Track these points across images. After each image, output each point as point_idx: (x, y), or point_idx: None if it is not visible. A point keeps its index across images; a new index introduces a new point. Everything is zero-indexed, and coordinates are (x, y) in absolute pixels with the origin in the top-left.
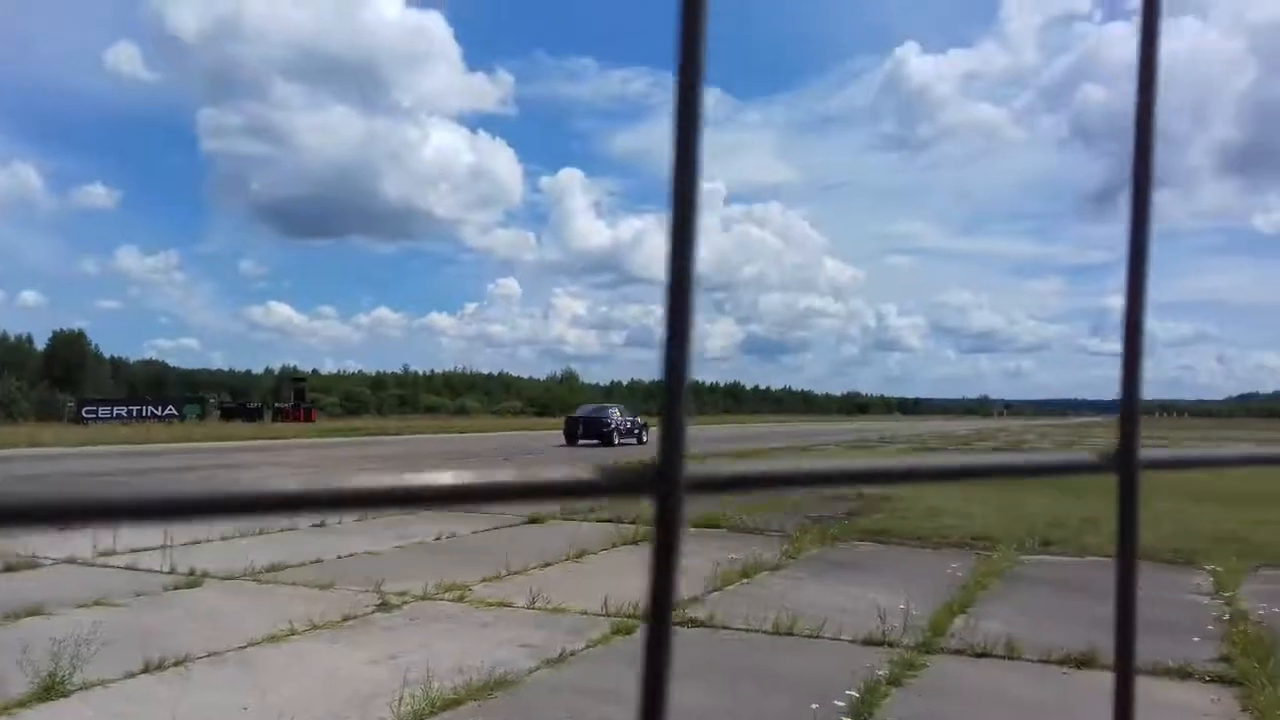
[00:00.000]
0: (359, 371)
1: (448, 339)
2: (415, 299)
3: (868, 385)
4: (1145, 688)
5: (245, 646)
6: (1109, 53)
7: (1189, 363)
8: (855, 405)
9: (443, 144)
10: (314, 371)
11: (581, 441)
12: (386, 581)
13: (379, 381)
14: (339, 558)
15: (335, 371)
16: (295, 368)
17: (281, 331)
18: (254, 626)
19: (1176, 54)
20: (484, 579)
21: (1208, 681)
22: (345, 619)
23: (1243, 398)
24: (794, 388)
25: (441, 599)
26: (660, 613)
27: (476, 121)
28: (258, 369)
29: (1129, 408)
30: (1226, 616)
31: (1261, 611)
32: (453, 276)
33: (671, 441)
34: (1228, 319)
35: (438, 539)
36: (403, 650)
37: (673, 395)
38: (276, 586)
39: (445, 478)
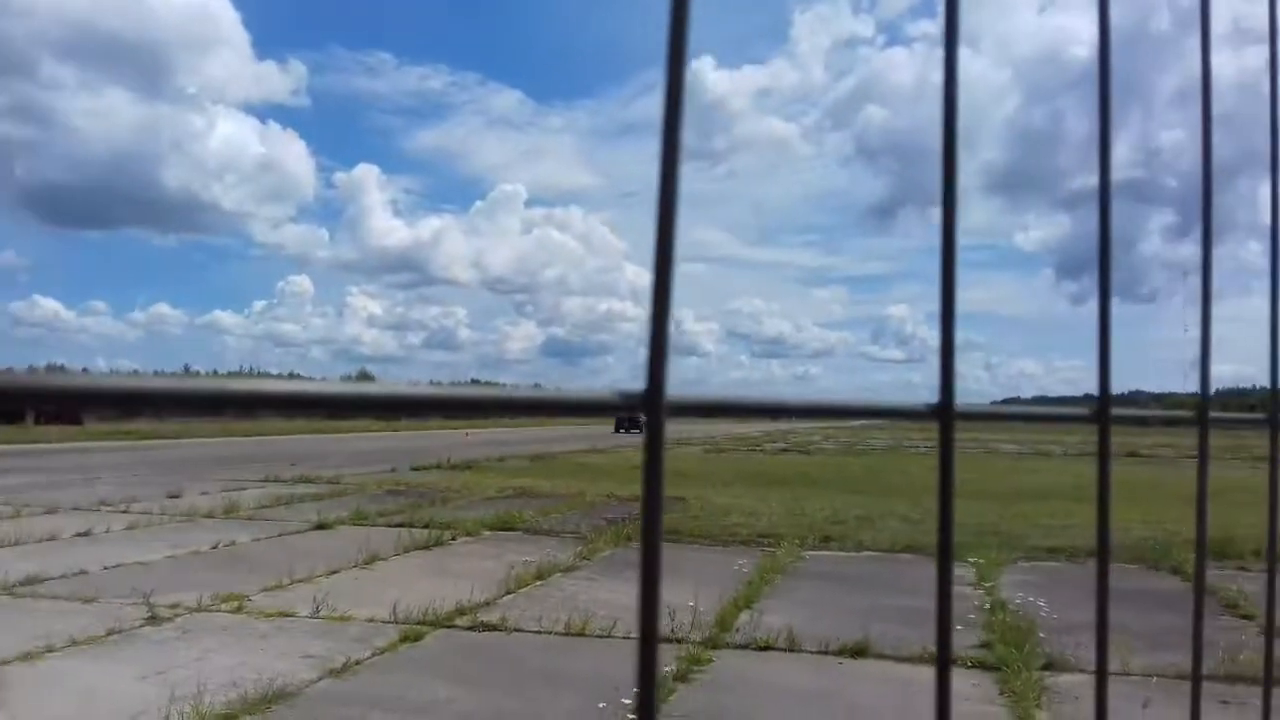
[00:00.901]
0: (135, 371)
1: (233, 338)
2: (198, 295)
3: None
4: (913, 674)
5: None
6: (890, 76)
7: (959, 369)
8: None
9: (230, 134)
10: (84, 370)
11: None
12: (157, 593)
13: None
14: (105, 569)
15: (108, 371)
16: (63, 366)
17: (48, 327)
18: (6, 644)
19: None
20: (264, 588)
21: (969, 667)
22: (110, 633)
23: (1006, 401)
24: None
25: (217, 610)
26: (652, 523)
27: (266, 112)
28: (20, 367)
29: (947, 361)
30: (987, 606)
31: (1018, 601)
32: (240, 273)
33: (656, 367)
34: (993, 329)
35: (215, 547)
36: (173, 665)
37: (658, 326)
38: (34, 600)
39: (462, 390)
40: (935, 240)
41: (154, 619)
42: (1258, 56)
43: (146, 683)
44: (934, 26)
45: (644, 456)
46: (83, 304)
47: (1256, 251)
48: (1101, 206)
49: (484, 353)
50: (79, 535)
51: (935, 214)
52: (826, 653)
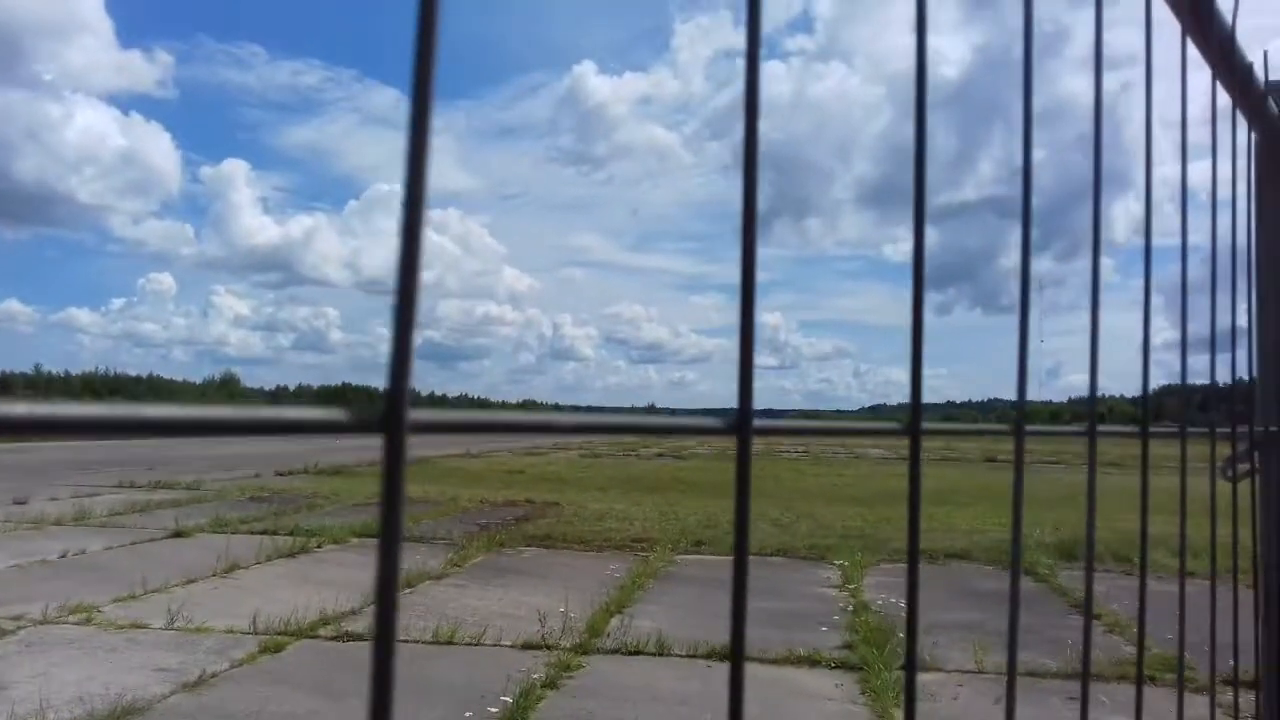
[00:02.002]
0: None
1: (89, 337)
2: (51, 292)
3: (543, 393)
4: (779, 675)
5: None
6: (767, 89)
7: (829, 376)
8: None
9: (89, 124)
10: None
11: None
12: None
13: (4, 382)
14: None
15: None
16: None
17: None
18: None
19: (826, 95)
20: (116, 599)
21: (833, 668)
22: None
23: (874, 408)
24: (471, 394)
25: (64, 622)
26: (389, 546)
27: (130, 103)
28: None
29: (746, 372)
30: (851, 607)
31: (881, 602)
32: (97, 269)
33: (398, 385)
34: (863, 337)
35: (63, 556)
36: (15, 680)
37: (401, 343)
38: None
39: (218, 410)
40: (809, 251)
41: None
42: (1113, 80)
43: None
44: (810, 42)
45: (383, 478)
46: None
47: (1109, 267)
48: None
49: (357, 355)
50: None
51: (810, 225)
52: (695, 656)
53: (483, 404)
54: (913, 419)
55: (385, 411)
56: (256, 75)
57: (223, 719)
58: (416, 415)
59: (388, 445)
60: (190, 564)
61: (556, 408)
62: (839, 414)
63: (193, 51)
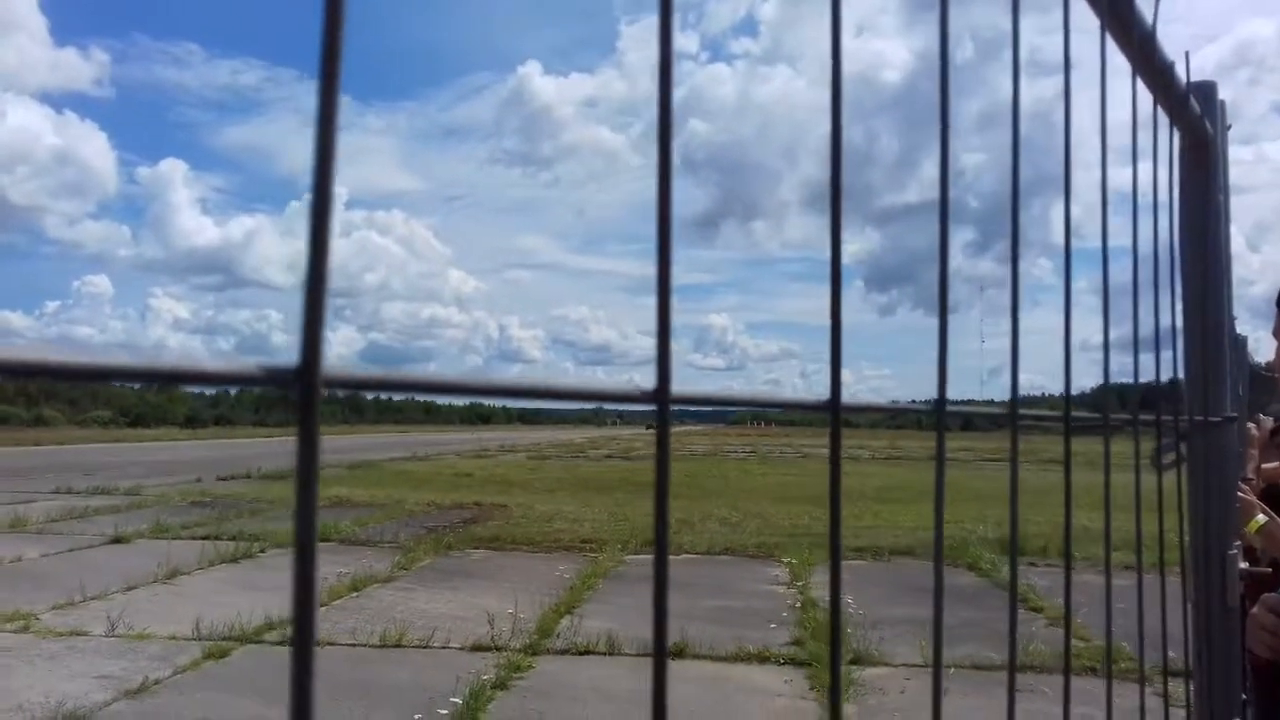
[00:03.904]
0: None
1: (23, 340)
2: None
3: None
4: (730, 671)
5: None
6: (712, 91)
7: (777, 376)
8: (478, 415)
9: (22, 123)
10: None
11: None
12: None
13: None
14: None
15: None
16: None
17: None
18: None
19: (772, 98)
20: (54, 606)
21: (782, 664)
22: None
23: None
24: (415, 398)
25: (0, 630)
26: (305, 509)
27: (64, 101)
28: None
29: (663, 342)
30: (799, 604)
31: (828, 598)
32: (30, 271)
33: (311, 337)
34: (809, 338)
35: None
36: None
37: (313, 295)
38: None
39: (81, 358)
40: (756, 253)
41: None
42: (1050, 86)
43: None
44: (755, 45)
45: (298, 435)
46: None
47: (1048, 269)
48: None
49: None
50: None
51: (757, 227)
52: (647, 655)
53: (428, 407)
54: (832, 394)
55: (299, 365)
56: (195, 74)
57: None
58: (331, 370)
59: (301, 398)
60: (131, 570)
61: (504, 411)
62: (783, 415)
63: (129, 50)
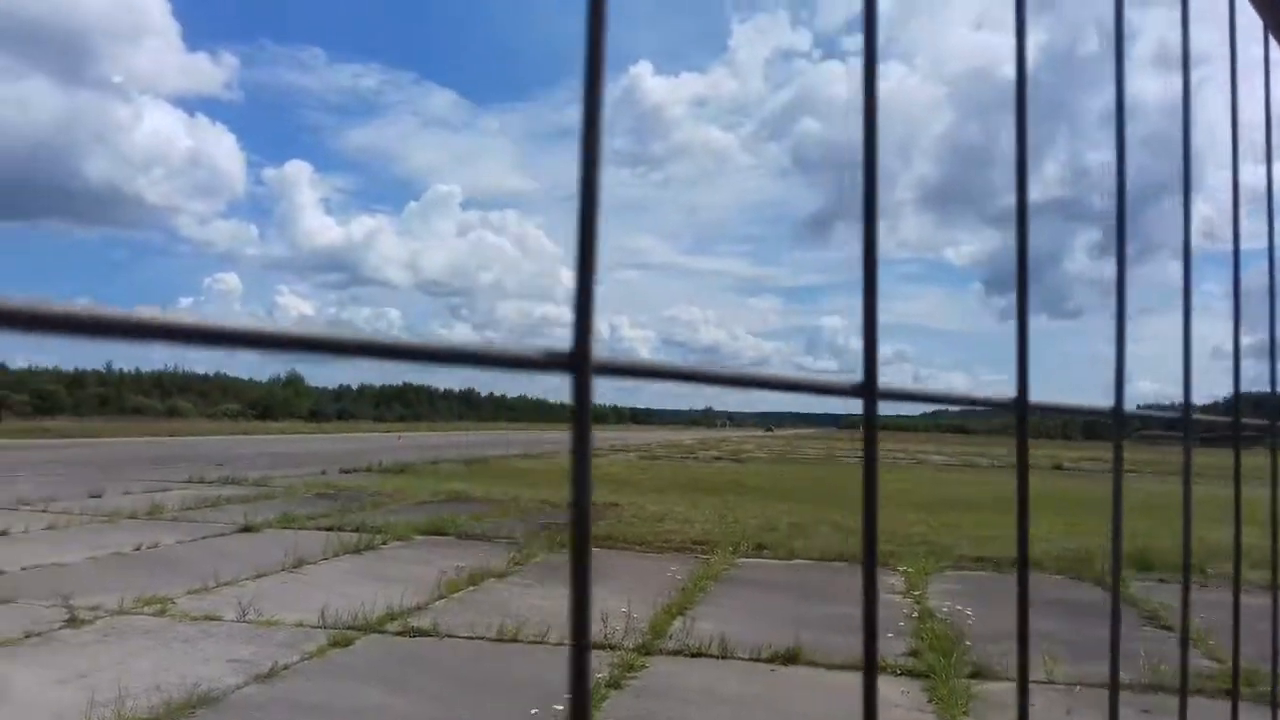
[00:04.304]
0: (54, 368)
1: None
2: (121, 291)
3: (601, 395)
4: (844, 681)
5: None
6: (826, 89)
7: (889, 380)
8: (592, 415)
9: (157, 125)
10: (0, 367)
11: None
12: (77, 595)
13: (78, 379)
14: (22, 569)
15: (26, 367)
16: None
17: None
18: None
19: (886, 95)
20: (189, 591)
21: (898, 675)
22: (27, 636)
23: (935, 414)
24: (530, 395)
25: (140, 613)
26: (581, 483)
27: (196, 104)
28: None
29: (870, 340)
30: (916, 614)
31: (946, 609)
32: (165, 269)
33: (582, 325)
34: (923, 342)
35: (137, 549)
36: (94, 669)
37: (582, 284)
38: None
39: (355, 333)
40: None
41: (74, 621)
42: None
43: (66, 687)
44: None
45: (572, 416)
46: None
47: (1177, 272)
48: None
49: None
50: None
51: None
52: (758, 660)
53: (540, 405)
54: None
55: (572, 350)
56: (318, 78)
57: (294, 710)
58: (600, 356)
59: (576, 382)
60: (260, 559)
61: (614, 409)
62: (899, 419)
63: (257, 54)
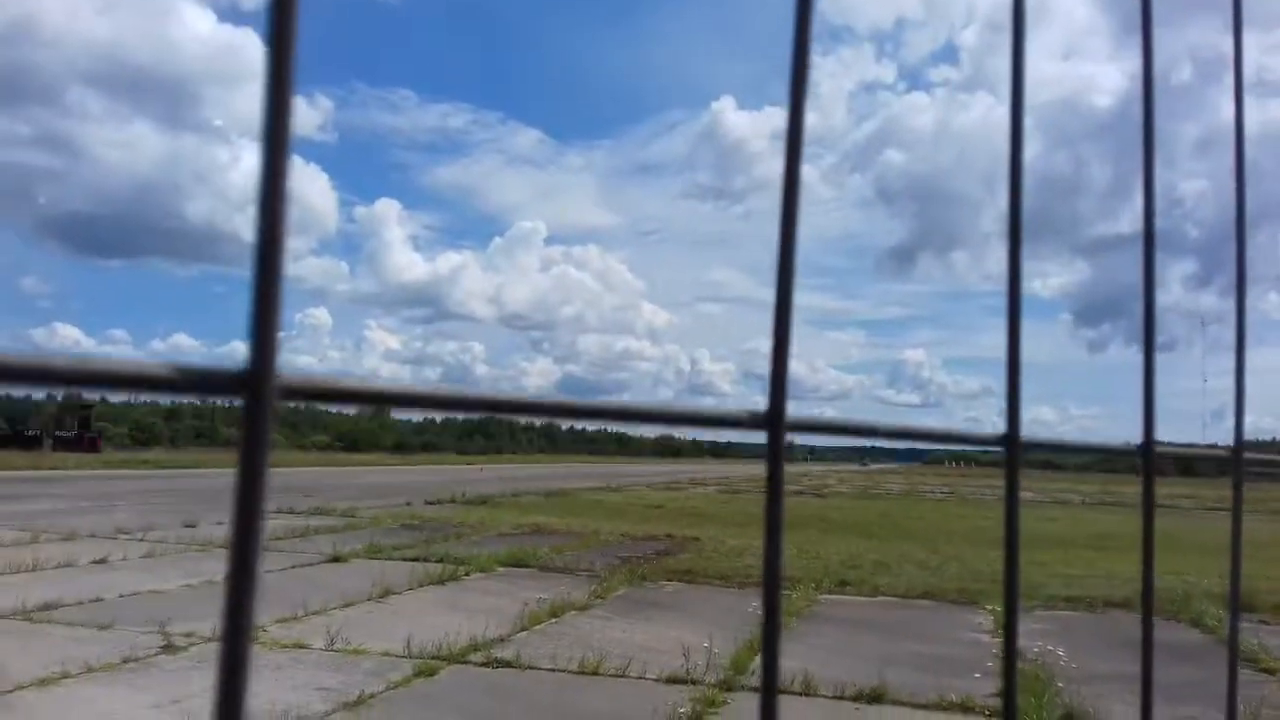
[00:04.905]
0: (152, 401)
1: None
2: (218, 325)
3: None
4: None
5: (11, 691)
6: (909, 120)
7: (976, 415)
8: (668, 448)
9: (253, 166)
10: (102, 399)
11: None
12: (172, 621)
13: (174, 411)
14: (120, 596)
15: (125, 400)
16: (80, 394)
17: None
18: (23, 669)
19: (972, 125)
20: (279, 619)
21: (988, 716)
22: (125, 661)
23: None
24: (609, 429)
25: None
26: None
27: (292, 146)
28: (39, 394)
29: (778, 377)
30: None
31: (1036, 649)
32: None
33: (263, 342)
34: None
35: None
36: (188, 694)
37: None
38: (50, 626)
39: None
40: (954, 285)
41: (169, 647)
42: (1275, 107)
43: (162, 711)
44: (955, 72)
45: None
46: (103, 332)
47: (1277, 304)
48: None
49: (500, 388)
50: (95, 562)
51: (956, 258)
52: (843, 698)
53: (621, 438)
54: (1009, 427)
55: (249, 370)
56: (408, 118)
57: None
58: (288, 378)
59: (249, 408)
60: (347, 588)
61: (695, 444)
62: (987, 454)
63: (349, 97)
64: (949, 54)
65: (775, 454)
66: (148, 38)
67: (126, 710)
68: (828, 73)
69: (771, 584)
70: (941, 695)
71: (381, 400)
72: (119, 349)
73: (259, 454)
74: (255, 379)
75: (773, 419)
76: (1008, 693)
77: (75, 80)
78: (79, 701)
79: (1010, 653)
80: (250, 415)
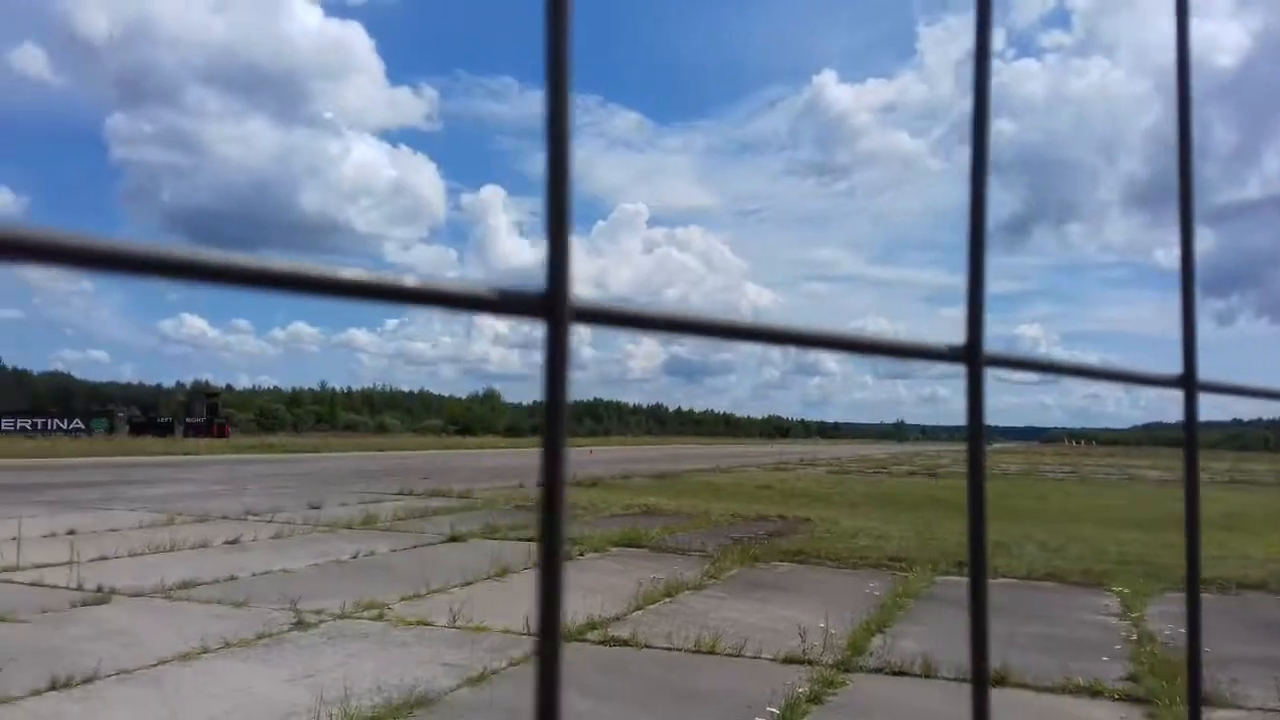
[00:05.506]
0: (274, 387)
1: (367, 355)
2: (334, 315)
3: (788, 408)
4: (1057, 704)
5: (155, 665)
6: (1019, 89)
7: (1096, 391)
8: (776, 428)
9: (364, 158)
10: (228, 386)
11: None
12: (303, 599)
13: (295, 398)
14: (253, 575)
15: (250, 387)
16: (208, 382)
17: (195, 345)
18: (165, 644)
19: (1087, 91)
20: (403, 597)
21: (1116, 699)
22: (260, 637)
23: (1148, 426)
24: (716, 410)
25: (360, 617)
26: (554, 450)
27: (398, 136)
28: (169, 382)
29: (975, 303)
30: (1134, 637)
31: (1168, 633)
32: None
33: (558, 266)
34: (1131, 350)
35: (355, 557)
36: (320, 669)
37: (557, 221)
38: (188, 604)
39: (350, 273)
40: (1071, 258)
41: (301, 624)
42: None
43: (296, 685)
44: (1067, 37)
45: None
46: (227, 322)
47: None
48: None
49: (606, 371)
50: (228, 543)
51: (1072, 230)
52: (964, 680)
53: (728, 419)
54: (1186, 369)
55: (547, 293)
56: (510, 105)
57: (506, 714)
58: (581, 302)
59: (550, 331)
60: (466, 567)
61: (803, 424)
62: (1108, 431)
63: (453, 85)
64: (1060, 19)
65: (975, 389)
66: (259, 35)
67: (262, 685)
68: (934, 41)
69: (977, 538)
70: (1068, 678)
71: (668, 327)
72: (242, 338)
73: (560, 373)
74: (553, 302)
75: (971, 352)
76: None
77: (193, 79)
78: (218, 675)
79: (1194, 639)
80: (551, 337)
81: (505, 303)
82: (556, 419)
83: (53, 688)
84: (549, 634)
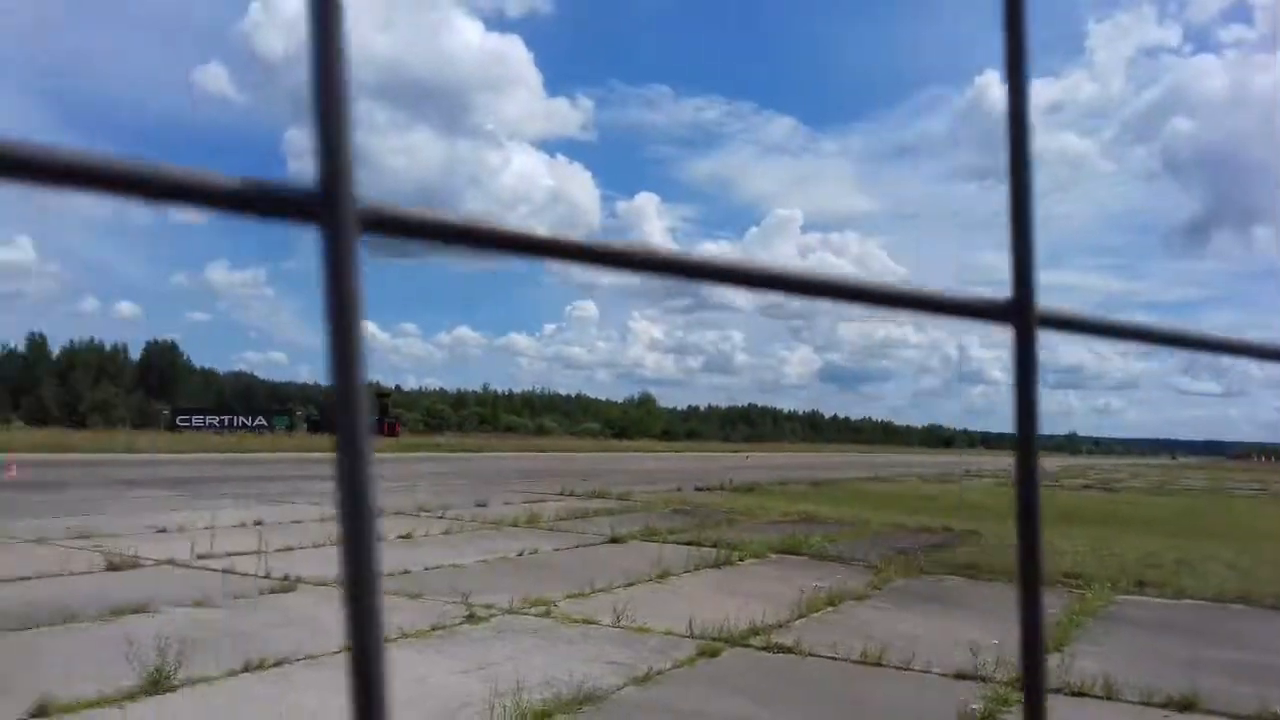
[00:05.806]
0: (440, 389)
1: (527, 359)
2: (495, 319)
3: (949, 417)
4: None
5: (338, 652)
6: (1198, 85)
7: None
8: (938, 439)
9: (523, 168)
10: (397, 388)
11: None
12: (473, 594)
13: (460, 400)
14: (425, 569)
15: (417, 388)
16: (379, 383)
17: (366, 347)
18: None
19: (1272, 88)
20: (568, 595)
21: None
22: (434, 629)
23: None
24: (874, 418)
25: (527, 613)
26: (1026, 466)
27: (555, 146)
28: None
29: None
30: None
31: None
32: (532, 298)
33: (1023, 282)
34: None
35: (520, 554)
36: (491, 661)
37: (1020, 235)
38: None
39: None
40: (1256, 263)
41: (472, 617)
42: None
43: (469, 676)
44: (1249, 31)
45: (1015, 376)
46: (396, 326)
47: None
48: None
49: (760, 377)
50: (401, 537)
51: (1257, 234)
52: (1149, 704)
53: (887, 427)
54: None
55: (1013, 301)
56: (664, 114)
57: (671, 714)
58: (1044, 309)
59: (1017, 336)
60: (628, 568)
61: (965, 433)
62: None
63: (608, 96)
64: (1241, 12)
65: (1025, 353)
66: (424, 50)
67: (438, 675)
68: (1104, 39)
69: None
70: (1264, 706)
71: (1123, 335)
72: (409, 341)
73: (1030, 381)
74: (1020, 308)
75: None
76: None
77: (362, 93)
78: (396, 664)
79: None
80: (1020, 346)
81: (979, 308)
82: (1028, 415)
83: (246, 669)
84: (1031, 650)
